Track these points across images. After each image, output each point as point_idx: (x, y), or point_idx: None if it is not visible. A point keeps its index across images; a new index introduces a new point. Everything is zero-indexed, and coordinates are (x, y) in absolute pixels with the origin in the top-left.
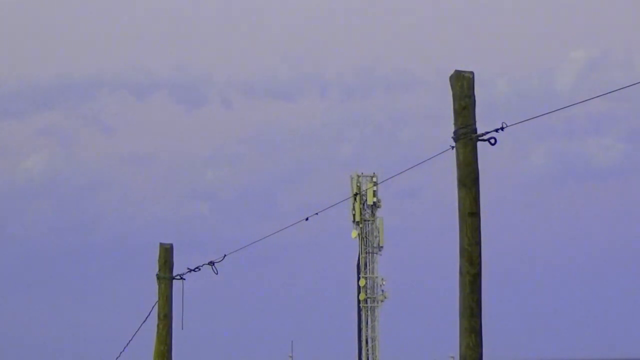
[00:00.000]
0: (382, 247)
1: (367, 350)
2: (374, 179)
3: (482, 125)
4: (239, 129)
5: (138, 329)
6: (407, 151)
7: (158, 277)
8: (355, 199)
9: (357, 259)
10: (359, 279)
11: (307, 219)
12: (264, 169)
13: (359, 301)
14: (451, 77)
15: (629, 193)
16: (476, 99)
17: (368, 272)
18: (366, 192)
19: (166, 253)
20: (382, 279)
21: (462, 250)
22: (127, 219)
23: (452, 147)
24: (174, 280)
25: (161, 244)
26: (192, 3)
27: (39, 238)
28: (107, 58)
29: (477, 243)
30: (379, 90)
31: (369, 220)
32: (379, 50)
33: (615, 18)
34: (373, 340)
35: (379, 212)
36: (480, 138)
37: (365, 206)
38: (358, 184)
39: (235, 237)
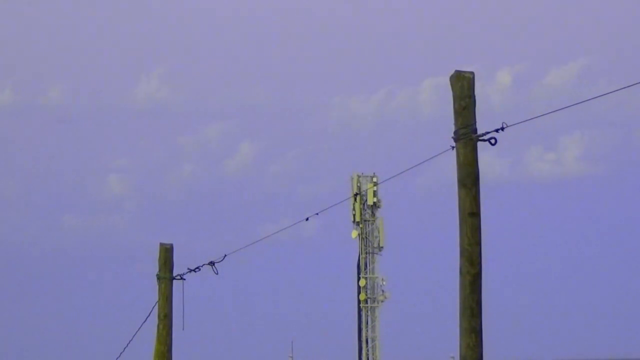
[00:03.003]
0: (382, 247)
1: (368, 350)
2: (374, 179)
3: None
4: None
5: (138, 329)
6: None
7: (158, 277)
8: (355, 199)
9: (357, 259)
10: (359, 279)
11: (307, 219)
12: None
13: (359, 301)
14: (451, 77)
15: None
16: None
17: (368, 272)
18: (366, 192)
19: (166, 253)
20: (383, 279)
21: (462, 250)
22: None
23: (453, 148)
24: (174, 281)
25: (161, 244)
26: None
27: (37, 238)
28: None
29: (477, 243)
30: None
31: (369, 221)
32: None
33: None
34: (373, 340)
35: (379, 212)
36: (480, 138)
37: (365, 206)
38: (358, 184)
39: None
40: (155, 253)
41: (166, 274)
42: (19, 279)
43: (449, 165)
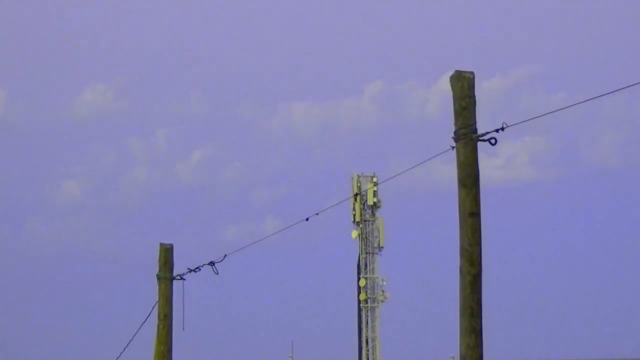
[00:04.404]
0: (382, 247)
1: (368, 350)
2: (374, 179)
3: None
4: None
5: (138, 329)
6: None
7: (158, 278)
8: (355, 199)
9: (357, 259)
10: (359, 279)
11: (307, 219)
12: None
13: (359, 301)
14: (452, 78)
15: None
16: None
17: (368, 272)
18: (366, 192)
19: (166, 253)
20: (383, 279)
21: (463, 251)
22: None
23: (453, 148)
24: (174, 281)
25: (161, 244)
26: None
27: (39, 239)
28: None
29: (478, 243)
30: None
31: (369, 221)
32: None
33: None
34: (373, 340)
35: (379, 212)
36: (480, 138)
37: (365, 206)
38: (358, 184)
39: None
40: (156, 253)
41: (166, 274)
42: (20, 280)
43: (449, 166)
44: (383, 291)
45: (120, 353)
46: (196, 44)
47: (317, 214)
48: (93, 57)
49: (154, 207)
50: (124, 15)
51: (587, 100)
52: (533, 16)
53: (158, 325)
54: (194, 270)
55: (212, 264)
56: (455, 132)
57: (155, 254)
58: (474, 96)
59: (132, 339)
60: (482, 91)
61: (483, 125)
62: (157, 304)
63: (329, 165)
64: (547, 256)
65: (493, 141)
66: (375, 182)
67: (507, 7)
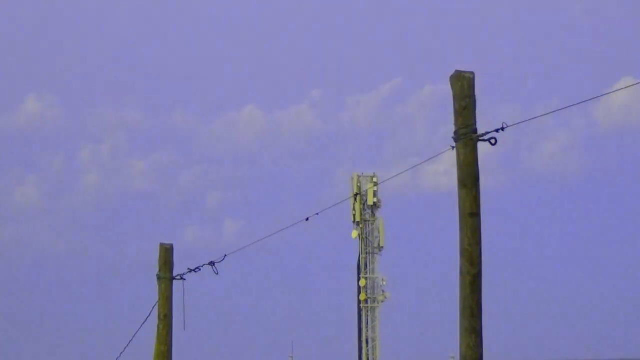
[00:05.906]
0: (382, 247)
1: (368, 350)
2: (375, 179)
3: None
4: None
5: (138, 330)
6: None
7: (158, 278)
8: (355, 199)
9: (357, 259)
10: (359, 279)
11: (307, 219)
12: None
13: (359, 301)
14: (452, 78)
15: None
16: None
17: (368, 272)
18: (366, 192)
19: (166, 253)
20: (383, 279)
21: (463, 251)
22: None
23: (453, 148)
24: (174, 281)
25: (161, 244)
26: None
27: (39, 239)
28: None
29: (478, 243)
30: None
31: (369, 221)
32: None
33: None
34: (373, 340)
35: (379, 213)
36: (480, 138)
37: (365, 206)
38: (358, 184)
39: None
40: (156, 253)
41: (166, 274)
42: (20, 279)
43: (449, 166)
44: (383, 291)
45: (121, 353)
46: (139, 51)
47: (317, 214)
48: (35, 67)
49: (153, 207)
50: (65, 24)
51: (585, 101)
52: (475, 24)
53: (158, 325)
54: (194, 270)
55: (212, 264)
56: (455, 132)
57: (156, 254)
58: (474, 96)
59: (132, 339)
60: (424, 97)
61: (420, 133)
62: (157, 304)
63: (325, 166)
64: (547, 256)
65: (493, 141)
66: (375, 182)
67: (453, 14)
